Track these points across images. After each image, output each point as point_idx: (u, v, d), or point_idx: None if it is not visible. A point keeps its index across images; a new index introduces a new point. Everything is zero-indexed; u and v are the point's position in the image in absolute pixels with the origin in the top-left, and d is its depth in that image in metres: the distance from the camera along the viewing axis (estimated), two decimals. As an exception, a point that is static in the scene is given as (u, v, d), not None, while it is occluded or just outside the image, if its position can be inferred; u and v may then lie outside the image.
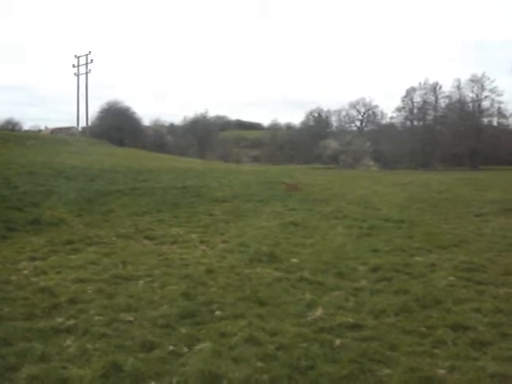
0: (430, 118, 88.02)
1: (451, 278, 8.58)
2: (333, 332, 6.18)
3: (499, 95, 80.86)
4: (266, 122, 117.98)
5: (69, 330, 6.13)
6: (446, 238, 12.41)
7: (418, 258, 10.22)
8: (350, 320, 6.55)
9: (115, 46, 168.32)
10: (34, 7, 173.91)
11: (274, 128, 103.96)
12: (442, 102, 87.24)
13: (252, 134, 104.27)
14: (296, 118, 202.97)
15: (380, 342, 5.90)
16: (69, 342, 5.78)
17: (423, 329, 6.33)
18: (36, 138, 50.43)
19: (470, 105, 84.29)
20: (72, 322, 6.40)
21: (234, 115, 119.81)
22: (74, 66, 67.71)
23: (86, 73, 67.04)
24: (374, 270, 9.22)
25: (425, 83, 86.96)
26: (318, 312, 6.85)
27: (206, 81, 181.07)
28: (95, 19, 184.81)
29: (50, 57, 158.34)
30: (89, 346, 5.65)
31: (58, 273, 8.80)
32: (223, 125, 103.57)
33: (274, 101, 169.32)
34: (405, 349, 5.72)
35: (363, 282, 8.48)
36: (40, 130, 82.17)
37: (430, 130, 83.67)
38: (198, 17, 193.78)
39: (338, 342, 5.84)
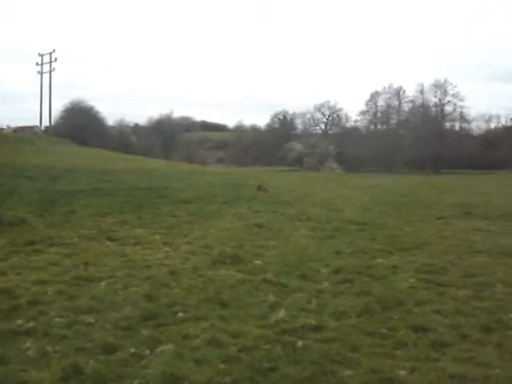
0: (393, 121, 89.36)
1: (412, 280, 8.66)
2: (295, 334, 6.21)
3: (461, 100, 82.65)
4: (231, 123, 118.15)
5: (28, 332, 6.06)
6: (407, 240, 12.53)
7: (379, 260, 10.30)
8: (313, 322, 6.59)
9: (80, 45, 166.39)
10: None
11: (239, 129, 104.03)
12: (406, 107, 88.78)
13: (217, 136, 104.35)
14: (261, 119, 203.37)
15: (342, 343, 5.94)
16: (28, 344, 5.71)
17: (384, 330, 6.39)
18: (-3, 136, 49.61)
19: (433, 109, 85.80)
20: (32, 324, 6.31)
21: (198, 116, 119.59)
22: (37, 63, 67.03)
23: (50, 71, 66.50)
24: (337, 271, 9.27)
25: (389, 87, 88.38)
26: (281, 314, 6.87)
27: (170, 81, 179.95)
28: (60, 16, 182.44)
29: (12, 54, 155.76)
30: (49, 348, 5.59)
31: (18, 274, 8.65)
32: (188, 126, 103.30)
33: (239, 102, 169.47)
34: (366, 350, 5.77)
35: (326, 284, 8.53)
36: (2, 129, 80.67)
37: (393, 134, 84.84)
38: (161, 14, 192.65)
39: (300, 343, 5.87)
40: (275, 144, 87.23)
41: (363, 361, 5.48)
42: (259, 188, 25.31)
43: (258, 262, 10.06)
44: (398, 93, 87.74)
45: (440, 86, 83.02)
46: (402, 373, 5.20)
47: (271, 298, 7.64)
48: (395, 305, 7.36)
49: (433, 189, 31.43)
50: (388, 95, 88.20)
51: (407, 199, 23.76)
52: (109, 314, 6.79)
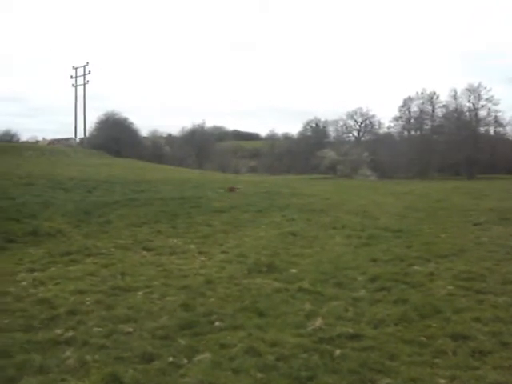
0: (427, 127, 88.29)
1: (450, 288, 8.55)
2: (332, 342, 6.16)
3: (495, 104, 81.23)
4: (263, 132, 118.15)
5: (68, 342, 6.12)
6: (444, 247, 12.40)
7: (416, 268, 10.20)
8: (350, 330, 6.53)
9: (113, 57, 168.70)
10: (33, 18, 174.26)
11: (272, 138, 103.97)
12: (439, 112, 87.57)
13: (250, 145, 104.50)
14: (293, 128, 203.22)
15: (380, 351, 5.89)
16: (68, 353, 5.75)
17: (423, 338, 6.32)
18: (34, 149, 50.43)
19: (467, 114, 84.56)
20: (71, 333, 6.38)
21: (231, 126, 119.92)
22: (71, 77, 68.16)
23: (84, 84, 67.51)
24: (373, 279, 9.20)
25: (422, 93, 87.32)
26: (318, 322, 6.83)
27: (203, 91, 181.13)
28: (94, 30, 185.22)
29: (47, 68, 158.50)
30: (88, 357, 5.63)
31: (57, 284, 8.77)
32: (221, 135, 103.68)
33: (271, 111, 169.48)
34: (405, 359, 5.71)
35: (362, 292, 8.47)
36: (38, 141, 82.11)
37: (427, 140, 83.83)
38: (194, 28, 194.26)
39: (337, 352, 5.83)
40: (308, 152, 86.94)
41: (402, 369, 5.42)
42: (231, 190, 26.65)
43: (293, 270, 10.03)
44: (431, 98, 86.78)
45: (473, 91, 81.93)
46: (442, 381, 5.14)
47: (308, 306, 7.61)
48: (433, 312, 7.28)
49: (468, 194, 31.06)
50: (421, 101, 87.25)
51: (442, 205, 23.54)
52: (146, 323, 6.83)
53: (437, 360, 5.68)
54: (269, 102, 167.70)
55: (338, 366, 5.46)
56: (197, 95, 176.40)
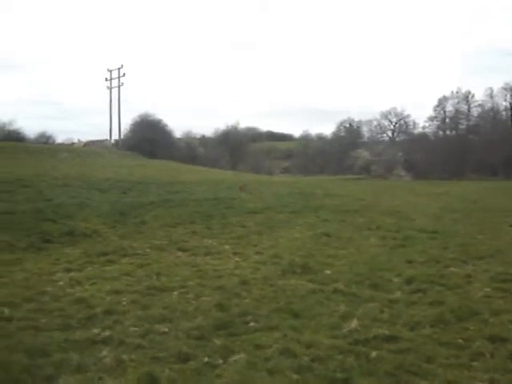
0: (462, 127, 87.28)
1: (487, 289, 8.46)
2: (368, 344, 6.13)
3: (534, 102, 79.94)
4: (297, 132, 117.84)
5: (104, 341, 6.19)
6: (481, 248, 12.25)
7: (453, 269, 10.11)
8: (386, 332, 6.49)
9: (146, 59, 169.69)
10: (71, 21, 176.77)
11: (305, 139, 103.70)
12: (475, 111, 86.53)
13: (283, 145, 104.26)
14: (327, 128, 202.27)
15: (416, 354, 5.84)
16: (105, 352, 5.83)
17: (460, 341, 6.25)
18: (69, 150, 51.13)
19: (504, 113, 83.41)
20: (108, 332, 6.45)
21: (264, 127, 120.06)
22: (106, 79, 68.81)
23: (119, 86, 68.05)
24: (409, 281, 9.13)
25: (457, 92, 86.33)
26: (353, 324, 6.80)
27: (236, 92, 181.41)
28: (127, 32, 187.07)
29: (83, 70, 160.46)
30: (124, 356, 5.69)
31: (93, 284, 8.89)
32: (254, 136, 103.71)
33: (304, 111, 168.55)
34: (442, 361, 5.65)
35: (398, 294, 8.42)
36: (73, 143, 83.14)
37: (462, 140, 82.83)
38: (226, 30, 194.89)
39: (373, 354, 5.79)
40: (341, 152, 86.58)
41: (439, 372, 5.37)
42: (241, 188, 26.79)
43: (328, 271, 10.00)
44: (467, 97, 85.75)
45: (510, 89, 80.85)
46: (480, 384, 5.08)
47: (343, 307, 7.58)
48: (470, 315, 7.20)
49: (505, 195, 30.66)
50: (456, 100, 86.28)
51: (479, 206, 23.26)
52: (182, 323, 6.88)
53: (474, 363, 5.62)
54: (302, 103, 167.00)
55: (373, 368, 5.43)
56: (231, 96, 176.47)
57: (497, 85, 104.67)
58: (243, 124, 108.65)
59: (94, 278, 9.26)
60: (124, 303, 7.77)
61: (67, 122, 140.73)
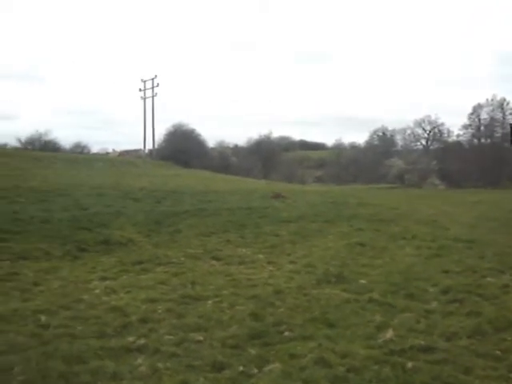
0: (497, 135, 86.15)
1: (526, 300, 8.32)
2: (404, 354, 6.07)
3: None
4: (329, 141, 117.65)
5: (140, 349, 6.23)
6: (518, 258, 12.05)
7: (490, 279, 9.96)
8: (422, 342, 6.43)
9: (180, 69, 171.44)
10: (109, 32, 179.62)
11: (338, 148, 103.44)
12: (510, 119, 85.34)
13: (316, 154, 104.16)
14: (360, 137, 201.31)
15: (453, 365, 5.77)
16: (140, 360, 5.86)
17: (498, 352, 6.17)
18: (104, 160, 51.79)
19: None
20: (143, 341, 6.49)
21: (297, 135, 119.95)
22: (140, 89, 69.59)
23: (153, 96, 68.83)
24: (445, 291, 9.03)
25: (492, 99, 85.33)
26: (389, 334, 6.74)
27: (269, 101, 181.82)
28: (161, 43, 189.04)
29: (118, 80, 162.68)
30: (160, 365, 5.72)
31: (129, 292, 8.94)
32: (287, 145, 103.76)
33: (337, 119, 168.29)
34: (479, 373, 5.58)
35: (434, 304, 8.32)
36: (108, 153, 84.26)
37: (498, 148, 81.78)
38: (259, 38, 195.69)
39: (409, 364, 5.74)
40: (375, 161, 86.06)
41: (476, 383, 5.28)
42: (276, 196, 26.76)
43: (362, 281, 9.93)
44: (502, 105, 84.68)
45: (547, 97, 79.93)
46: (518, 397, 4.99)
47: (378, 317, 7.52)
48: (508, 325, 7.11)
49: (543, 204, 30.08)
50: (491, 107, 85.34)
51: (516, 215, 22.86)
52: (216, 332, 6.88)
53: (512, 375, 5.52)
54: (335, 112, 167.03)
55: (410, 379, 5.37)
56: (263, 105, 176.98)
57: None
58: (276, 133, 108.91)
59: (129, 287, 9.32)
60: (159, 311, 7.81)
61: (102, 131, 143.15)
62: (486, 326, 7.08)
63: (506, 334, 6.77)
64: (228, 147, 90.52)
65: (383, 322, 7.29)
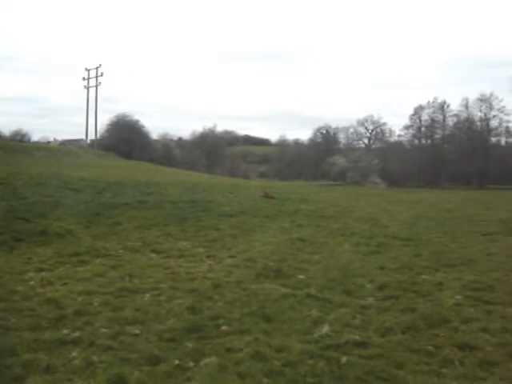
0: (437, 136, 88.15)
1: (459, 297, 8.53)
2: (339, 349, 6.16)
3: (507, 114, 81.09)
4: (273, 137, 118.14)
5: (74, 342, 6.14)
6: (453, 256, 12.36)
7: (425, 277, 10.18)
8: (357, 337, 6.53)
9: (125, 59, 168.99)
10: (50, 19, 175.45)
11: (282, 144, 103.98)
12: (450, 121, 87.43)
13: (260, 150, 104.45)
14: (304, 134, 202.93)
15: (386, 360, 5.88)
16: (74, 353, 5.78)
17: (430, 348, 6.31)
18: (45, 149, 50.64)
19: (478, 124, 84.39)
20: (78, 333, 6.41)
21: (242, 130, 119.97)
22: (84, 78, 68.41)
23: (96, 86, 67.77)
24: (381, 287, 9.19)
25: (433, 101, 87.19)
26: (325, 329, 6.82)
27: (214, 95, 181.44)
28: (106, 33, 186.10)
29: (61, 69, 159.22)
30: (94, 358, 5.65)
31: (65, 284, 8.80)
32: (231, 140, 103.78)
33: (282, 116, 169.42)
34: (411, 367, 5.70)
35: (370, 300, 8.46)
36: (49, 142, 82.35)
37: (437, 149, 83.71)
38: (207, 33, 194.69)
39: (344, 359, 5.82)
40: (318, 158, 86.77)
41: (408, 378, 5.41)
42: (266, 195, 26.87)
43: (301, 276, 10.02)
44: (443, 107, 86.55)
45: (485, 101, 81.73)
46: (449, 391, 5.12)
47: (315, 312, 7.60)
48: (441, 322, 7.27)
49: (478, 204, 30.93)
50: (432, 109, 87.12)
51: (452, 215, 23.44)
52: (153, 325, 6.84)
53: (444, 370, 5.67)
54: (280, 108, 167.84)
55: (344, 374, 5.45)
56: (208, 99, 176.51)
57: (472, 95, 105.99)
58: (221, 127, 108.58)
59: (66, 279, 9.17)
60: (95, 304, 7.71)
61: (44, 120, 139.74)
62: (420, 322, 7.22)
63: (439, 330, 6.92)
64: (172, 140, 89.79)
65: (320, 317, 7.37)
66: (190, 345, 6.17)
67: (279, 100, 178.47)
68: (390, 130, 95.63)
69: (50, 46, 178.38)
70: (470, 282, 9.67)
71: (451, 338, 6.58)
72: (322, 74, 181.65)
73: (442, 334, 6.77)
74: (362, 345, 6.33)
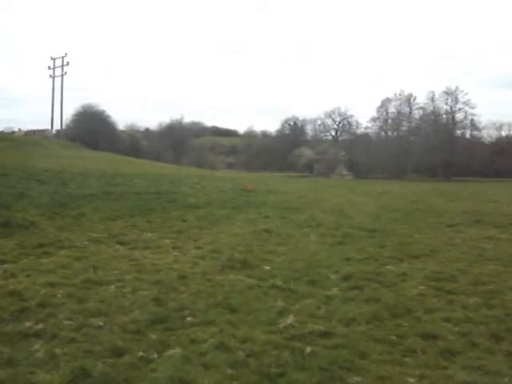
0: (404, 128, 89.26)
1: (422, 288, 8.62)
2: (303, 339, 6.18)
3: (472, 108, 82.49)
4: (241, 129, 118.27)
5: (37, 335, 6.05)
6: (417, 247, 12.51)
7: (389, 267, 10.27)
8: (321, 328, 6.55)
9: (91, 49, 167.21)
10: (12, 7, 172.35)
11: (250, 135, 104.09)
12: (417, 114, 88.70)
13: (227, 141, 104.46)
14: (272, 125, 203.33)
15: (350, 349, 5.91)
16: (37, 346, 5.70)
17: (393, 337, 6.36)
18: (8, 139, 49.87)
19: (444, 117, 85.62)
20: (41, 326, 6.31)
21: (209, 122, 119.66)
22: (49, 67, 67.40)
23: (62, 75, 66.81)
24: (346, 278, 9.24)
25: (400, 94, 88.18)
26: (289, 320, 6.84)
27: (181, 86, 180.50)
28: (72, 22, 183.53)
29: (26, 58, 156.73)
30: (57, 350, 5.57)
31: (28, 276, 8.66)
32: (199, 131, 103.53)
33: (250, 108, 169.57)
34: (375, 357, 5.74)
35: (335, 290, 8.50)
36: (13, 132, 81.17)
37: (404, 141, 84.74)
38: (172, 21, 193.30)
39: (308, 349, 5.84)
40: (285, 150, 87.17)
41: (372, 368, 5.45)
42: (249, 190, 26.95)
43: (266, 267, 10.04)
44: (409, 100, 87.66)
45: (451, 94, 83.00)
46: (411, 380, 5.17)
47: (280, 303, 7.61)
48: (404, 312, 7.34)
49: (443, 196, 31.39)
50: (399, 102, 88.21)
51: (417, 206, 23.73)
52: (117, 317, 6.78)
53: (406, 359, 5.73)
54: (248, 99, 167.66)
55: (308, 364, 5.47)
56: (176, 91, 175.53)
57: (438, 89, 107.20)
58: (188, 118, 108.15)
59: (29, 270, 9.03)
60: (59, 296, 7.60)
61: (8, 109, 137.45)
62: (384, 312, 7.29)
63: (403, 320, 6.99)
64: (139, 131, 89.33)
65: (284, 308, 7.39)
66: (154, 336, 6.14)
67: (247, 92, 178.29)
68: (357, 122, 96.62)
69: (15, 33, 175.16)
70: (433, 272, 9.79)
71: (414, 328, 6.65)
72: (291, 66, 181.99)
73: (405, 324, 6.83)
74: (326, 335, 6.36)
